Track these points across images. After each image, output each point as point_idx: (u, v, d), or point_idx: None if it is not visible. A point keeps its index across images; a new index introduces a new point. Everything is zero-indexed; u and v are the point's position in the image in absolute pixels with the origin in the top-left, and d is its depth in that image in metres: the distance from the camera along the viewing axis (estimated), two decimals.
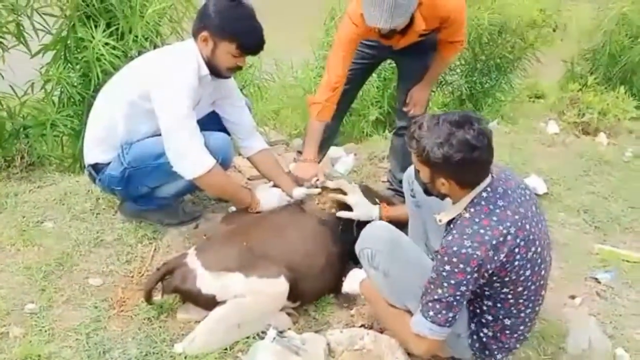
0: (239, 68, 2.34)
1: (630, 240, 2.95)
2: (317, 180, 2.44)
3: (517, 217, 1.66)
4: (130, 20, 2.97)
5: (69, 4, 2.89)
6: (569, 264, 2.65)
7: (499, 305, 1.76)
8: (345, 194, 2.36)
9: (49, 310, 2.04)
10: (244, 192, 2.42)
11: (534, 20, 4.29)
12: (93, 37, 2.88)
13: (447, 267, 1.62)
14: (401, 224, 2.18)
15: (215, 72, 2.28)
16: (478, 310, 1.80)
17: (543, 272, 1.76)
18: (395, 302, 1.89)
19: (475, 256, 1.60)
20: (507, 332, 1.79)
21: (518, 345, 1.87)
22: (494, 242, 1.61)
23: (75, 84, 3.04)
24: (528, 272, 1.69)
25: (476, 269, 1.61)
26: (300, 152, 3.12)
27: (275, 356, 1.80)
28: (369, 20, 2.21)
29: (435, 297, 1.65)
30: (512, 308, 1.75)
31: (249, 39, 2.22)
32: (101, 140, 2.34)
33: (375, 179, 3.28)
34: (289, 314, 2.11)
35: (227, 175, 2.43)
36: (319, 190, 2.41)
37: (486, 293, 1.74)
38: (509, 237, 1.63)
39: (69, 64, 3.04)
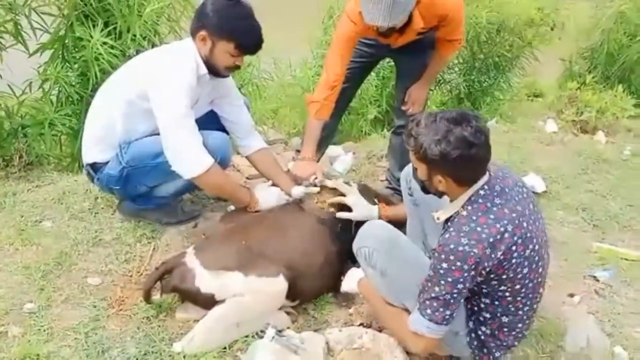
0: (237, 67, 2.34)
1: (628, 238, 2.95)
2: (316, 178, 2.44)
3: (514, 214, 1.66)
4: (128, 20, 2.97)
5: (67, 3, 2.89)
6: (568, 262, 2.66)
7: (496, 303, 1.76)
8: (343, 194, 2.37)
9: (48, 310, 2.04)
10: (243, 191, 2.42)
11: (532, 18, 4.29)
12: (91, 37, 2.88)
13: (444, 265, 1.63)
14: (400, 224, 2.18)
15: (214, 71, 2.28)
16: (476, 308, 1.81)
17: (541, 270, 1.76)
18: (393, 301, 1.89)
19: (472, 254, 1.60)
20: (505, 329, 1.80)
21: (516, 343, 1.87)
22: (491, 239, 1.61)
23: (74, 83, 3.04)
24: (525, 270, 1.70)
25: (473, 266, 1.61)
26: (298, 151, 3.12)
27: (274, 355, 1.80)
28: (368, 19, 2.21)
29: (433, 295, 1.66)
30: (510, 306, 1.76)
31: (248, 39, 2.22)
32: (99, 140, 2.34)
33: (374, 178, 3.28)
34: (287, 313, 2.11)
35: (226, 174, 2.43)
36: (317, 189, 2.41)
37: (484, 291, 1.75)
38: (506, 235, 1.63)
39: (67, 63, 3.04)
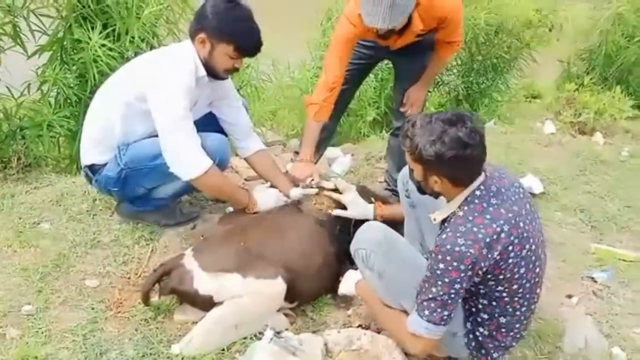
0: (236, 69, 2.34)
1: (626, 239, 2.96)
2: (312, 180, 2.44)
3: (510, 215, 1.67)
4: (126, 22, 2.97)
5: (65, 5, 2.89)
6: (566, 264, 2.66)
7: (494, 303, 1.76)
8: (341, 193, 2.37)
9: (46, 312, 2.04)
10: (241, 192, 2.42)
11: (530, 20, 4.30)
12: (89, 38, 2.88)
13: (441, 265, 1.63)
14: (396, 223, 2.18)
15: (213, 73, 2.28)
16: (474, 309, 1.81)
17: (538, 270, 1.76)
18: (391, 302, 1.89)
19: (468, 254, 1.60)
20: (503, 330, 1.80)
21: (514, 344, 1.88)
22: (487, 240, 1.62)
23: (72, 85, 3.04)
24: (523, 270, 1.70)
25: (470, 267, 1.61)
26: (297, 153, 3.12)
27: (273, 357, 1.80)
28: (367, 21, 2.21)
29: (430, 295, 1.66)
30: (508, 306, 1.76)
31: (247, 41, 2.22)
32: (98, 141, 2.34)
33: (372, 180, 3.28)
34: (286, 315, 2.12)
35: (224, 176, 2.43)
36: (316, 190, 2.42)
37: (481, 291, 1.75)
38: (502, 235, 1.64)
39: (66, 65, 3.04)
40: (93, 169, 2.37)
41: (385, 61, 3.23)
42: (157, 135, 2.18)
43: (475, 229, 1.63)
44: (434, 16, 2.39)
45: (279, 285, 1.99)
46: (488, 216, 1.65)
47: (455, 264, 1.62)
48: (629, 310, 2.40)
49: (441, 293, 1.65)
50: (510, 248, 1.65)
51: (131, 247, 2.40)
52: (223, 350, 1.92)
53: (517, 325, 1.81)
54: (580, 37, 5.12)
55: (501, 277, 1.69)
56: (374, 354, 1.87)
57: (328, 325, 2.13)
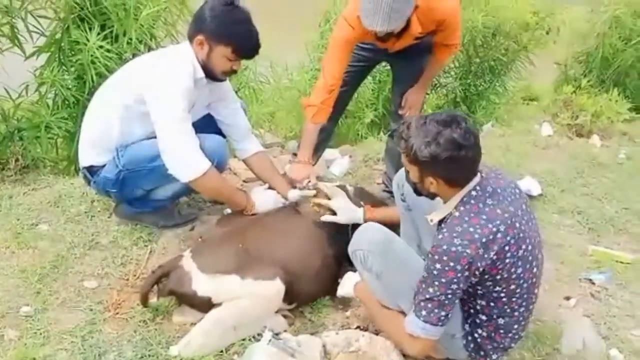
0: (234, 71, 2.34)
1: (624, 241, 2.96)
2: (309, 181, 2.44)
3: (506, 215, 1.67)
4: (124, 23, 2.97)
5: (63, 7, 2.89)
6: (564, 265, 2.67)
7: (492, 304, 1.77)
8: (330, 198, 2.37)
9: (44, 313, 2.04)
10: (240, 194, 2.42)
11: (527, 23, 4.31)
12: (87, 40, 2.88)
13: (438, 266, 1.64)
14: (388, 226, 2.19)
15: (211, 75, 2.28)
16: (472, 311, 1.81)
17: (535, 270, 1.77)
18: (389, 303, 1.90)
19: (465, 254, 1.61)
20: (502, 331, 1.80)
21: (513, 345, 1.88)
22: (483, 240, 1.62)
23: (70, 86, 3.04)
24: (520, 270, 1.71)
25: (466, 267, 1.62)
26: (295, 155, 3.12)
27: (271, 358, 1.80)
28: (366, 23, 2.21)
29: (427, 296, 1.67)
30: (506, 307, 1.77)
31: (245, 43, 2.23)
32: (96, 143, 2.34)
33: (370, 181, 3.28)
34: (284, 316, 2.12)
35: (223, 177, 2.43)
36: (314, 192, 2.42)
37: (479, 292, 1.75)
38: (498, 235, 1.64)
39: (64, 67, 3.04)
40: (91, 170, 2.37)
41: (383, 63, 3.24)
42: (155, 137, 2.19)
43: (471, 229, 1.63)
44: (432, 19, 2.40)
45: (277, 287, 1.99)
46: (484, 216, 1.66)
47: (451, 264, 1.62)
48: (626, 312, 2.40)
49: (438, 293, 1.65)
50: (507, 248, 1.66)
51: (130, 248, 2.40)
52: (222, 351, 1.92)
53: (516, 326, 1.82)
54: (577, 39, 5.13)
55: (498, 277, 1.70)
56: (372, 356, 1.88)
57: (326, 326, 2.13)
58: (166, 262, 2.12)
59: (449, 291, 1.65)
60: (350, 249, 1.96)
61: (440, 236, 1.67)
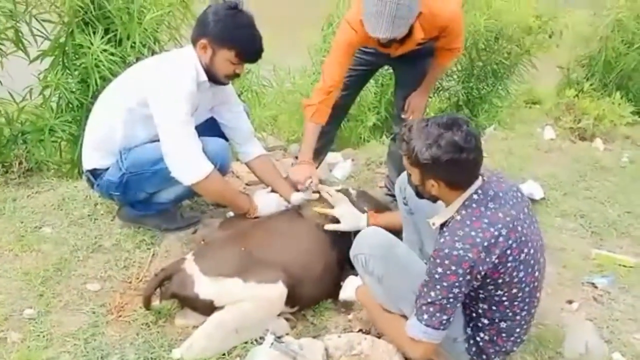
0: (237, 75, 2.35)
1: (626, 245, 2.96)
2: (312, 182, 2.44)
3: (508, 219, 1.67)
4: (128, 27, 2.98)
5: (67, 11, 2.90)
6: (566, 269, 2.67)
7: (494, 308, 1.77)
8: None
9: (47, 316, 2.04)
10: (242, 197, 2.42)
11: (530, 26, 4.30)
12: (91, 44, 2.89)
13: (439, 270, 1.64)
14: (392, 231, 2.19)
15: (214, 78, 2.29)
16: (474, 314, 1.81)
17: (537, 274, 1.77)
18: (391, 307, 1.90)
19: (466, 258, 1.61)
20: (504, 335, 1.80)
21: (515, 348, 1.88)
22: (485, 244, 1.62)
23: (74, 89, 3.04)
24: (522, 274, 1.71)
25: (468, 270, 1.62)
26: (297, 158, 3.12)
27: None
28: (369, 30, 2.21)
29: (429, 300, 1.67)
30: (508, 310, 1.76)
31: (248, 47, 2.24)
32: (99, 146, 2.35)
33: (373, 185, 3.29)
34: (287, 319, 2.12)
35: (225, 180, 2.43)
36: (317, 195, 2.42)
37: (481, 296, 1.75)
38: (500, 239, 1.64)
39: (67, 70, 3.05)
40: (95, 173, 2.38)
41: (386, 67, 3.24)
42: (158, 140, 2.20)
43: (473, 233, 1.64)
44: (435, 26, 2.40)
45: (279, 290, 1.99)
46: (486, 220, 1.66)
47: (453, 268, 1.62)
48: (629, 316, 2.40)
49: (440, 297, 1.65)
50: (509, 252, 1.66)
51: (132, 251, 2.41)
52: (224, 354, 1.92)
53: (518, 330, 1.82)
54: (580, 43, 5.12)
55: (500, 281, 1.70)
56: (375, 359, 1.87)
57: (329, 330, 2.13)
58: (169, 265, 2.13)
59: (451, 295, 1.65)
60: (351, 253, 1.97)
61: (442, 240, 1.67)
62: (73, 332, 1.98)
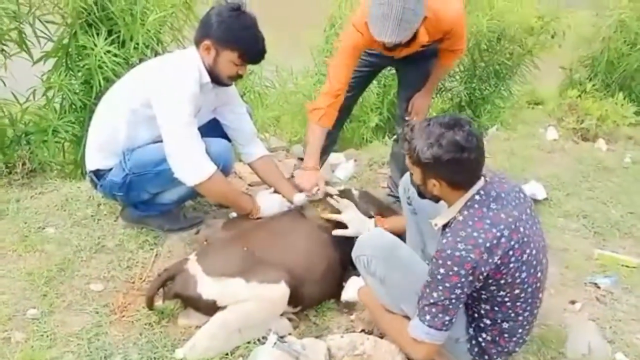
0: (240, 76, 2.36)
1: (629, 245, 2.96)
2: (318, 189, 2.45)
3: (510, 219, 1.68)
4: (131, 28, 2.99)
5: (71, 12, 2.91)
6: (569, 270, 2.66)
7: (496, 308, 1.77)
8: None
9: (51, 316, 2.05)
10: (245, 198, 2.43)
11: (532, 27, 4.30)
12: (95, 45, 2.90)
13: (442, 270, 1.64)
14: (399, 235, 2.19)
15: (217, 80, 2.30)
16: (476, 315, 1.81)
17: (539, 275, 1.77)
18: (393, 308, 1.90)
19: (469, 259, 1.61)
20: (506, 335, 1.80)
21: (517, 349, 1.88)
22: (487, 244, 1.63)
23: (77, 91, 3.06)
24: (524, 275, 1.71)
25: (470, 271, 1.62)
26: (301, 159, 3.13)
27: None
28: (375, 34, 2.20)
29: (431, 300, 1.67)
30: (510, 311, 1.76)
31: (251, 49, 2.24)
32: (103, 147, 2.36)
33: (375, 185, 3.29)
34: (289, 319, 2.12)
35: (228, 181, 2.44)
36: (320, 195, 2.42)
37: (483, 297, 1.75)
38: (502, 240, 1.64)
39: (71, 71, 3.06)
40: (98, 174, 2.39)
41: (388, 67, 3.24)
42: (161, 141, 2.20)
43: (475, 234, 1.64)
44: (439, 29, 2.40)
45: (282, 290, 1.99)
46: (488, 221, 1.66)
47: (455, 268, 1.62)
48: (632, 316, 2.40)
49: (442, 298, 1.65)
50: (511, 253, 1.66)
51: (135, 251, 2.42)
52: (227, 354, 1.93)
53: (520, 331, 1.82)
54: (582, 44, 5.12)
55: (502, 281, 1.70)
56: (377, 359, 1.88)
57: (331, 330, 2.14)
58: (172, 265, 2.13)
59: (453, 296, 1.65)
60: (353, 254, 1.97)
61: (444, 241, 1.68)
62: (76, 332, 1.99)
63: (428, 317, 1.68)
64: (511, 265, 1.67)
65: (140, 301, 2.12)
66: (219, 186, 2.28)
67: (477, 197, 1.71)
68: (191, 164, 2.19)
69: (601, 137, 4.30)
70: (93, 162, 2.39)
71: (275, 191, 2.52)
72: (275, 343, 1.83)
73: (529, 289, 1.74)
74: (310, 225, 2.32)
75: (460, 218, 1.70)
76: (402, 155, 2.80)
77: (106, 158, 2.36)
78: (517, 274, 1.69)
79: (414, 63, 2.65)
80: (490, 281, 1.69)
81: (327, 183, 2.57)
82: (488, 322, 1.80)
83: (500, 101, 4.73)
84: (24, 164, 2.93)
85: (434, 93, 3.88)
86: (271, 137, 3.98)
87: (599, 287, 2.55)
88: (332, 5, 4.19)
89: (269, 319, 2.01)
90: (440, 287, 1.65)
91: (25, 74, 2.97)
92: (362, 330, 2.10)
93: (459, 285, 1.63)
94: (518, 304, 1.75)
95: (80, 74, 3.05)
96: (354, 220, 2.32)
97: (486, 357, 1.85)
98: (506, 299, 1.74)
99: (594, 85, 4.83)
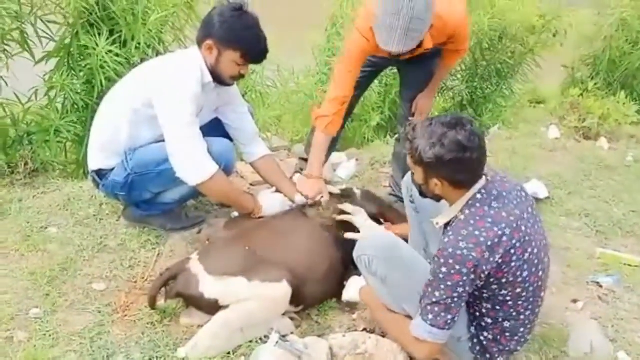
0: (242, 76, 2.36)
1: (631, 244, 2.95)
2: (322, 197, 2.44)
3: (512, 218, 1.68)
4: (132, 28, 3.00)
5: (72, 12, 2.91)
6: (571, 268, 2.66)
7: (498, 307, 1.77)
8: (345, 201, 2.37)
9: (53, 315, 2.06)
10: (247, 197, 2.43)
11: (534, 25, 4.29)
12: (96, 45, 2.91)
13: (444, 269, 1.64)
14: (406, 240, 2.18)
15: (219, 79, 2.30)
16: (478, 314, 1.82)
17: (541, 274, 1.77)
18: (395, 308, 1.90)
19: (470, 257, 1.61)
20: (508, 334, 1.80)
21: (519, 348, 1.88)
22: (489, 243, 1.63)
23: (79, 90, 3.06)
24: (526, 274, 1.71)
25: (472, 270, 1.62)
26: (302, 159, 3.13)
27: None
28: (381, 43, 2.19)
29: (433, 299, 1.67)
30: (512, 310, 1.77)
31: (254, 49, 2.24)
32: (105, 147, 2.36)
33: (377, 184, 3.29)
34: (291, 319, 2.12)
35: (230, 181, 2.44)
36: (323, 204, 2.42)
37: (484, 295, 1.76)
38: (504, 239, 1.64)
39: (73, 71, 3.06)
40: (100, 173, 2.39)
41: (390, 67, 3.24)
42: (163, 140, 2.21)
43: (477, 233, 1.64)
44: (444, 34, 2.39)
45: (284, 289, 2.00)
46: (489, 219, 1.66)
47: (457, 267, 1.63)
48: (634, 315, 2.40)
49: (444, 297, 1.66)
50: (513, 251, 1.66)
51: (137, 251, 2.42)
52: (229, 353, 1.93)
53: (522, 330, 1.82)
54: (584, 42, 5.11)
55: (504, 280, 1.70)
56: (379, 358, 1.88)
57: (333, 329, 2.14)
58: (174, 264, 2.14)
59: (455, 294, 1.65)
60: (355, 253, 1.97)
61: (446, 239, 1.68)
62: (79, 331, 1.99)
63: (430, 316, 1.68)
64: (512, 264, 1.67)
65: (142, 300, 2.13)
66: (220, 186, 2.28)
67: (478, 196, 1.71)
68: (193, 163, 2.19)
69: (603, 135, 4.29)
70: (95, 161, 2.39)
71: (277, 190, 2.53)
72: (277, 342, 1.83)
73: (531, 288, 1.74)
74: (312, 225, 2.33)
75: (462, 217, 1.70)
76: (404, 155, 2.80)
77: (108, 158, 2.36)
78: (518, 273, 1.69)
79: (417, 63, 2.65)
80: (491, 280, 1.69)
81: (328, 182, 2.57)
82: (490, 321, 1.80)
83: (502, 100, 4.72)
84: (26, 163, 2.94)
85: (436, 93, 3.88)
86: (273, 136, 3.98)
87: (601, 286, 2.55)
88: (334, 5, 4.19)
89: (271, 318, 2.02)
90: (442, 286, 1.65)
91: (27, 74, 2.97)
92: (364, 329, 2.11)
93: (460, 283, 1.64)
94: (520, 302, 1.75)
95: (82, 73, 3.06)
96: (365, 225, 2.29)
97: (488, 355, 1.85)
98: (508, 298, 1.74)
99: (595, 84, 4.83)
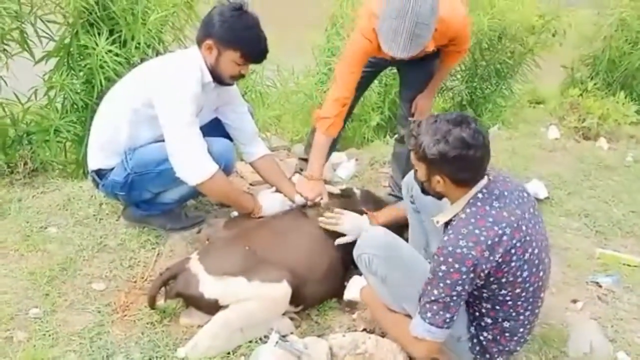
0: (242, 76, 2.36)
1: (631, 244, 2.95)
2: (322, 199, 2.44)
3: (513, 218, 1.68)
4: (132, 28, 3.00)
5: (72, 12, 2.91)
6: (570, 269, 2.66)
7: (497, 307, 1.77)
8: (345, 201, 2.37)
9: (53, 315, 2.06)
10: (247, 197, 2.43)
11: (533, 25, 4.30)
12: (96, 45, 2.90)
13: (443, 267, 1.64)
14: (396, 227, 2.18)
15: (219, 79, 2.30)
16: (477, 314, 1.82)
17: (541, 274, 1.77)
18: (395, 307, 1.91)
19: (470, 256, 1.61)
20: (507, 334, 1.80)
21: (518, 348, 1.88)
22: (489, 242, 1.63)
23: (79, 90, 3.06)
24: (526, 274, 1.71)
25: (472, 269, 1.62)
26: (301, 159, 3.13)
27: None
28: (385, 48, 2.19)
29: (432, 298, 1.67)
30: (511, 310, 1.77)
31: (253, 48, 2.24)
32: (104, 146, 2.36)
33: (377, 184, 3.29)
34: (291, 318, 2.12)
35: (230, 181, 2.44)
36: (322, 205, 2.42)
37: (484, 295, 1.76)
38: (504, 238, 1.65)
39: (72, 71, 3.06)
40: (100, 173, 2.39)
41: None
42: (163, 140, 2.20)
43: (477, 231, 1.64)
44: (446, 36, 2.40)
45: (284, 289, 2.00)
46: (490, 219, 1.66)
47: (456, 265, 1.63)
48: (634, 315, 2.40)
49: (443, 295, 1.66)
50: (513, 251, 1.66)
51: (137, 251, 2.42)
52: (228, 353, 1.94)
53: (521, 330, 1.82)
54: (583, 42, 5.11)
55: (504, 280, 1.70)
56: (379, 358, 1.88)
57: (333, 329, 2.14)
58: (173, 264, 2.14)
59: (454, 293, 1.65)
60: (355, 253, 1.97)
61: (446, 238, 1.68)
62: (79, 331, 1.99)
63: (429, 314, 1.68)
64: (512, 263, 1.67)
65: (142, 300, 2.13)
66: (220, 185, 2.28)
67: (480, 195, 1.71)
68: (193, 163, 2.19)
69: (603, 135, 4.30)
70: (95, 161, 2.39)
71: (277, 190, 2.53)
72: (277, 342, 1.84)
73: (531, 288, 1.74)
74: (312, 225, 2.32)
75: (463, 215, 1.70)
76: (403, 155, 2.83)
77: (108, 157, 2.36)
78: (518, 273, 1.69)
79: (417, 64, 2.63)
80: (491, 279, 1.69)
81: (328, 182, 2.57)
82: (489, 320, 1.80)
83: (501, 100, 4.72)
84: (25, 163, 2.94)
85: (435, 93, 3.88)
86: (272, 136, 3.98)
87: (600, 286, 2.55)
88: (334, 5, 4.19)
89: (271, 318, 2.02)
90: (442, 284, 1.65)
91: (26, 74, 2.97)
92: (364, 329, 2.11)
93: (459, 282, 1.64)
94: (519, 303, 1.75)
95: (81, 73, 3.05)
96: (351, 229, 2.28)
97: (487, 355, 1.85)
98: (507, 298, 1.74)
99: (595, 84, 4.83)
